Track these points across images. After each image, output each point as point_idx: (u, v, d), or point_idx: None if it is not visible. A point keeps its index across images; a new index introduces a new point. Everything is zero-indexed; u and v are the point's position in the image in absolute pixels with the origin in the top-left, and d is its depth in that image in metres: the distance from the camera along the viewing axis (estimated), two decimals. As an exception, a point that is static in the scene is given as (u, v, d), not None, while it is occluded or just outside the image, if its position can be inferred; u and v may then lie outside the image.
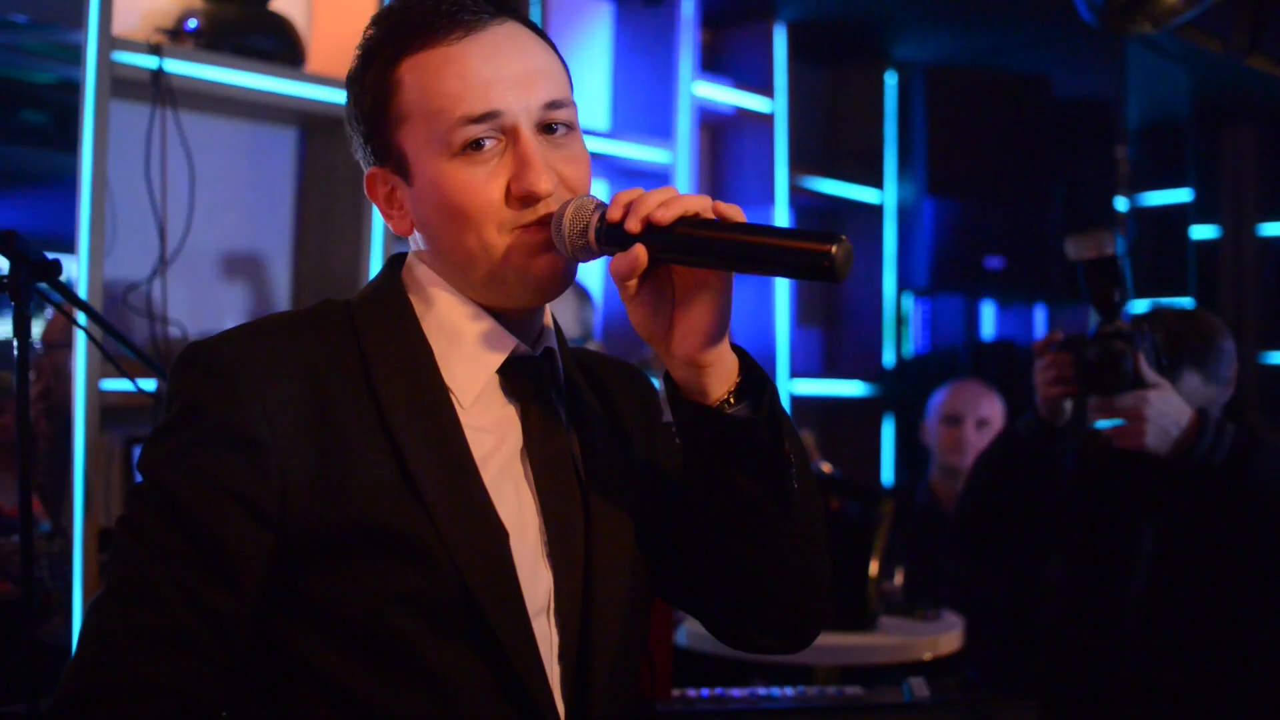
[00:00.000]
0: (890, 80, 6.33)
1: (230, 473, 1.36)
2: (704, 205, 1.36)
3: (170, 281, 3.70)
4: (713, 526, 1.48)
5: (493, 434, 1.48)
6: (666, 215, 1.35)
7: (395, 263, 1.58)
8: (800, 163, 5.88)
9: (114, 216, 3.57)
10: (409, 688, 1.36)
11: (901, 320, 6.38)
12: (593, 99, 5.32)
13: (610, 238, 1.40)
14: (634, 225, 1.36)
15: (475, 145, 1.44)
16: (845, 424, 6.26)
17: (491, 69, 1.45)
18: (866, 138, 6.31)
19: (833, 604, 1.62)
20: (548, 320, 1.59)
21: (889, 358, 6.28)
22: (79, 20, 3.37)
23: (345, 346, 1.46)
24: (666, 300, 1.41)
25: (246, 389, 1.38)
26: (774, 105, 5.68)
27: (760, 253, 1.32)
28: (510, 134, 1.45)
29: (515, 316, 1.52)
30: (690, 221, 1.36)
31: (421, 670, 1.36)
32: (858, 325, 6.34)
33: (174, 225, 3.74)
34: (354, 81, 1.54)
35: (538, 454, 1.48)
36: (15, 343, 2.08)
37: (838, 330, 6.42)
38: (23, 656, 2.20)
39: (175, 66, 3.60)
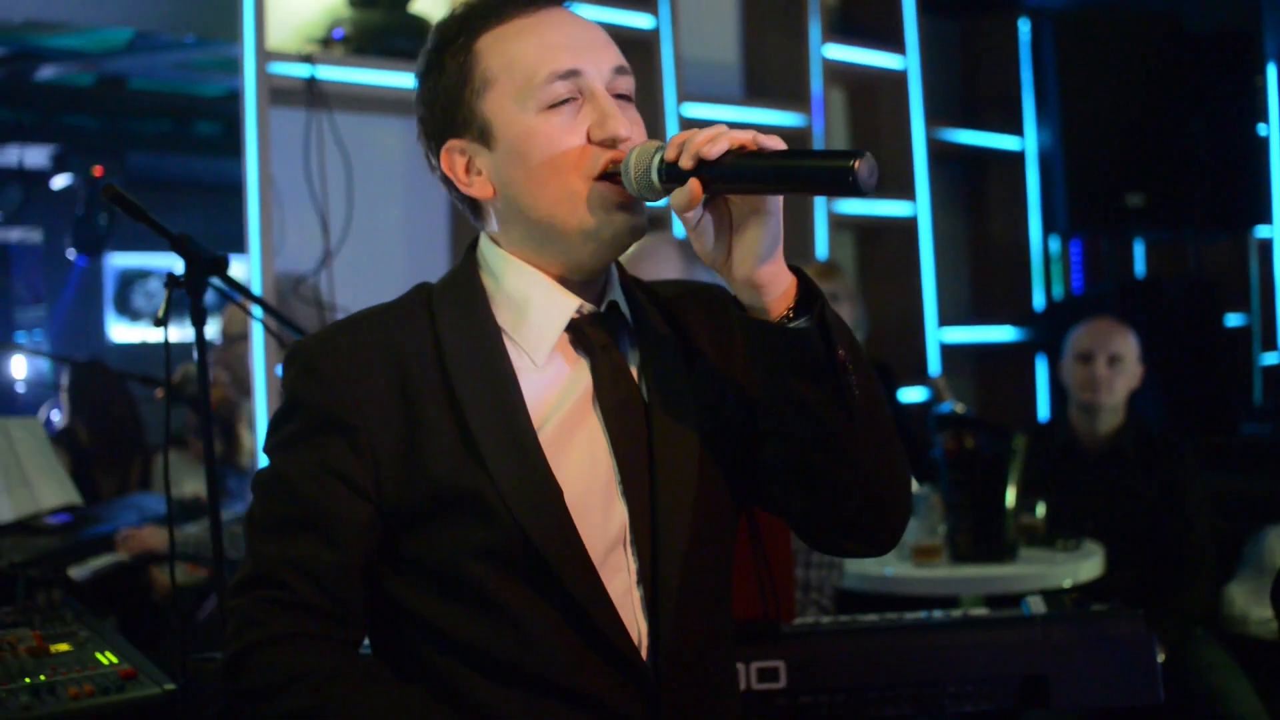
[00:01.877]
0: (1023, 27, 6.36)
1: (331, 454, 1.59)
2: (747, 138, 1.49)
3: (335, 272, 3.98)
4: (785, 434, 1.61)
5: (564, 388, 1.65)
6: (714, 150, 1.48)
7: (471, 247, 1.74)
8: (937, 116, 5.96)
9: (281, 216, 3.86)
10: (496, 629, 1.57)
11: (1049, 263, 6.43)
12: (724, 67, 5.46)
13: (670, 175, 1.52)
14: (687, 162, 1.49)
15: (561, 102, 1.60)
16: (998, 369, 6.33)
17: (567, 35, 1.63)
18: (1002, 86, 6.36)
19: (910, 508, 1.72)
20: (613, 279, 1.73)
21: (1039, 301, 6.33)
22: (236, 35, 3.64)
23: (424, 331, 1.64)
24: (724, 228, 1.54)
25: (336, 380, 1.60)
26: (906, 61, 5.77)
27: (795, 174, 1.47)
28: (587, 92, 1.61)
29: (580, 277, 1.67)
30: (735, 153, 1.49)
31: (503, 613, 1.56)
32: (1006, 270, 6.39)
33: (335, 220, 4.02)
34: (430, 67, 1.67)
35: (608, 400, 1.65)
36: (194, 333, 2.33)
37: (986, 276, 6.48)
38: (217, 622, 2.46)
39: (327, 73, 3.87)
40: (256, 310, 2.92)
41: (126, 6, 3.52)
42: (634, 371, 1.70)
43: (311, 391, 1.61)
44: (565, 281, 1.67)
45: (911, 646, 2.37)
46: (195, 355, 2.32)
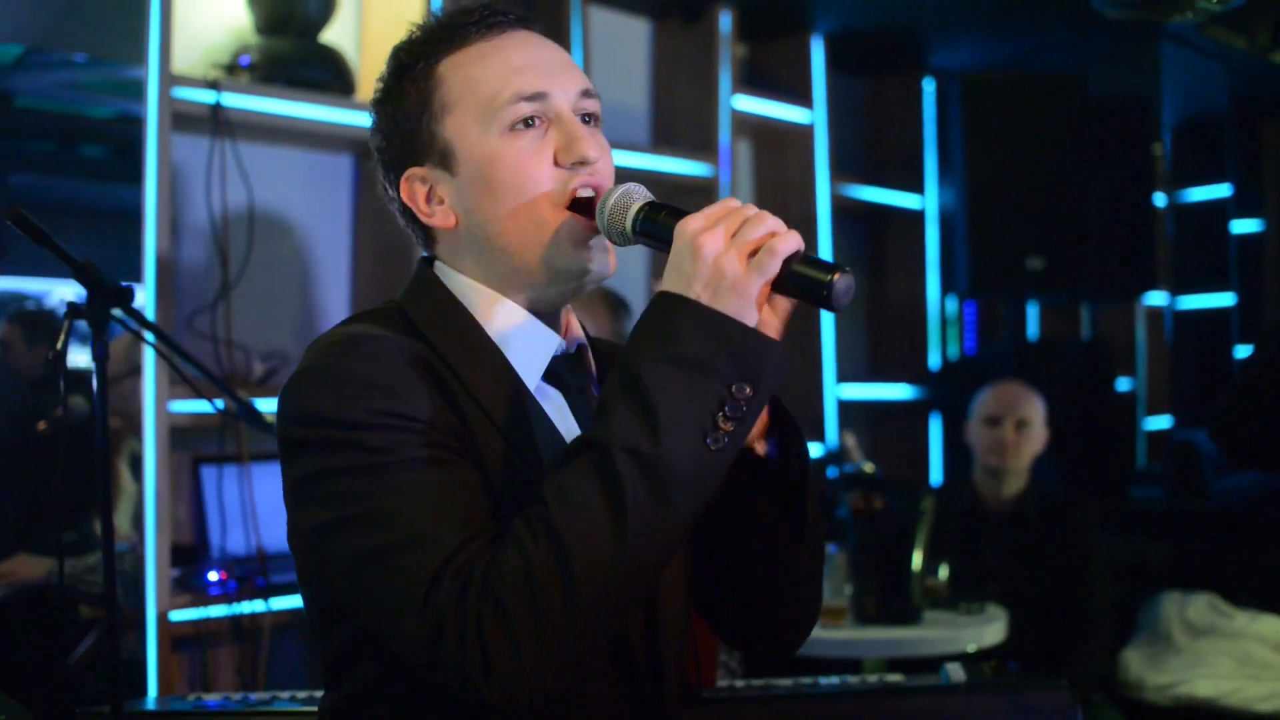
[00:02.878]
0: (928, 87, 6.42)
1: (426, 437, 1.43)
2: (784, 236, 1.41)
3: (233, 305, 3.85)
4: (730, 542, 1.59)
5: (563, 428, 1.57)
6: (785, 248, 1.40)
7: (428, 268, 1.63)
8: (841, 171, 5.97)
9: (178, 245, 3.73)
10: None
11: (946, 323, 6.46)
12: (633, 115, 5.43)
13: (645, 229, 1.49)
14: (774, 264, 1.38)
15: (526, 123, 1.53)
16: (893, 426, 6.34)
17: (531, 57, 1.57)
18: (906, 144, 6.40)
19: (819, 607, 1.71)
20: (570, 319, 1.66)
21: (934, 360, 6.36)
22: (139, 58, 3.51)
23: (427, 353, 1.49)
24: None
25: (398, 388, 1.43)
26: (813, 116, 5.77)
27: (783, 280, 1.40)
28: (553, 114, 1.55)
29: (546, 312, 1.60)
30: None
31: None
32: (903, 328, 6.41)
33: (235, 251, 3.89)
34: (387, 93, 1.61)
35: None
36: (95, 367, 2.22)
37: (883, 335, 6.49)
38: (107, 666, 2.34)
39: (232, 100, 3.75)
40: (149, 340, 2.81)
41: (18, 21, 3.39)
42: None
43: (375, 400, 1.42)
44: (539, 318, 1.59)
45: (834, 714, 2.32)
46: (95, 387, 2.20)
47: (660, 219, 1.49)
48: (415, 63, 1.59)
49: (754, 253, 1.39)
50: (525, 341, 1.57)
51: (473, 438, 1.47)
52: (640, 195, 1.51)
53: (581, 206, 1.54)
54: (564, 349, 1.61)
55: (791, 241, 1.39)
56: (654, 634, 1.58)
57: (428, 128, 1.57)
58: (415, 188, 1.60)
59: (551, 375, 1.60)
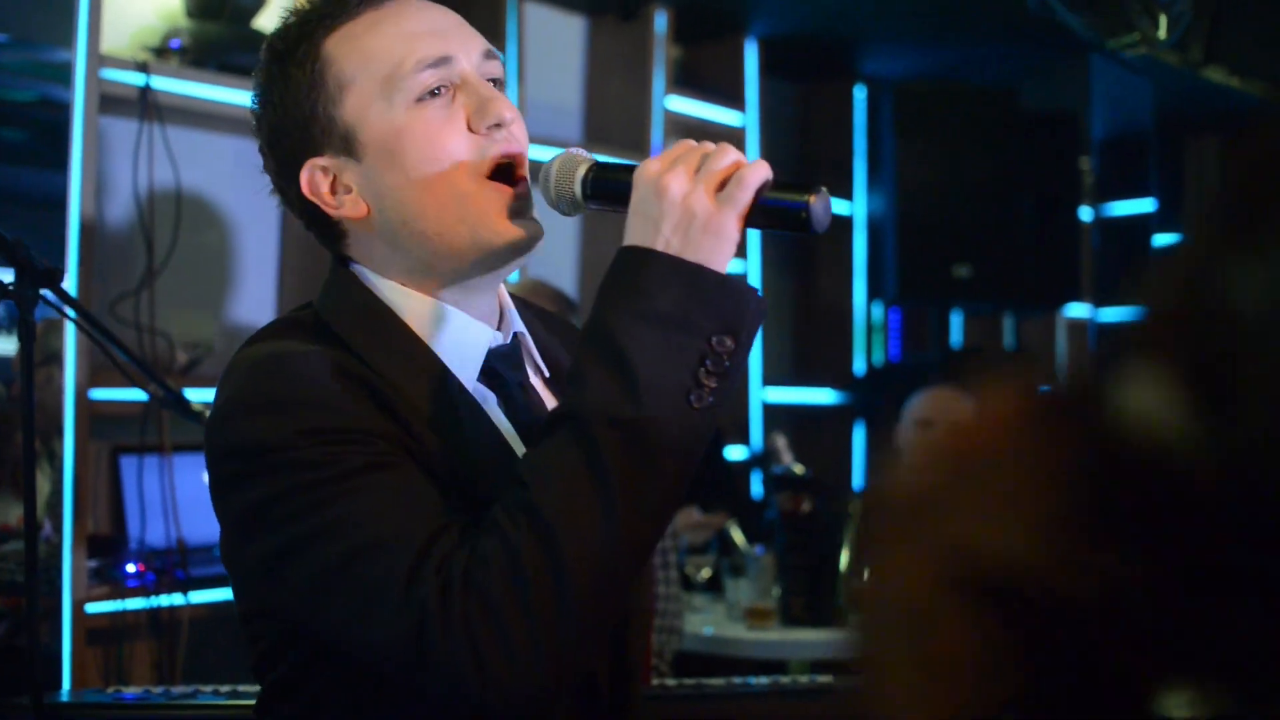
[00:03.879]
0: (859, 94, 6.46)
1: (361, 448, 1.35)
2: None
3: (157, 292, 3.78)
4: None
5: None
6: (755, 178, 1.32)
7: (344, 268, 1.52)
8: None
9: (102, 229, 3.66)
10: None
11: (872, 329, 6.49)
12: (566, 111, 5.40)
13: (597, 189, 1.41)
14: (745, 195, 1.30)
15: (433, 93, 1.42)
16: (817, 430, 6.35)
17: (428, 22, 1.46)
18: (837, 150, 6.43)
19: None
20: (503, 299, 1.57)
21: (860, 366, 6.38)
22: (65, 39, 3.44)
23: (352, 362, 1.40)
24: None
25: (331, 397, 1.36)
26: (745, 119, 5.78)
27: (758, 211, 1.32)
28: (460, 80, 1.44)
29: (477, 301, 1.50)
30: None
31: None
32: (829, 333, 6.43)
33: (161, 237, 3.82)
34: (269, 82, 1.47)
35: (528, 438, 1.46)
36: (19, 349, 2.16)
37: (809, 339, 6.51)
38: (25, 657, 2.29)
39: (162, 84, 3.69)
40: (75, 320, 2.74)
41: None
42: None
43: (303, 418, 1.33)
44: (465, 310, 1.50)
45: (767, 713, 2.31)
46: (22, 370, 2.14)
47: (613, 175, 1.41)
48: (297, 46, 1.45)
49: (722, 186, 1.31)
50: (456, 339, 1.47)
51: (413, 443, 1.36)
52: (583, 157, 1.43)
53: (503, 173, 1.44)
54: (499, 342, 1.51)
55: (761, 170, 1.31)
56: (622, 632, 1.51)
57: (324, 112, 1.44)
58: (317, 179, 1.46)
59: (488, 371, 1.50)
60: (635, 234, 1.33)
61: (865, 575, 0.67)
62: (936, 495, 0.63)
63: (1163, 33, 3.33)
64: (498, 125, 1.43)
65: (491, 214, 1.43)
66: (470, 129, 1.43)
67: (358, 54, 1.44)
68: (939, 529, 0.62)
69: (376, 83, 1.43)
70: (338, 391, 1.34)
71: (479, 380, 1.50)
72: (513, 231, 1.44)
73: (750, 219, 1.31)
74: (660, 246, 1.30)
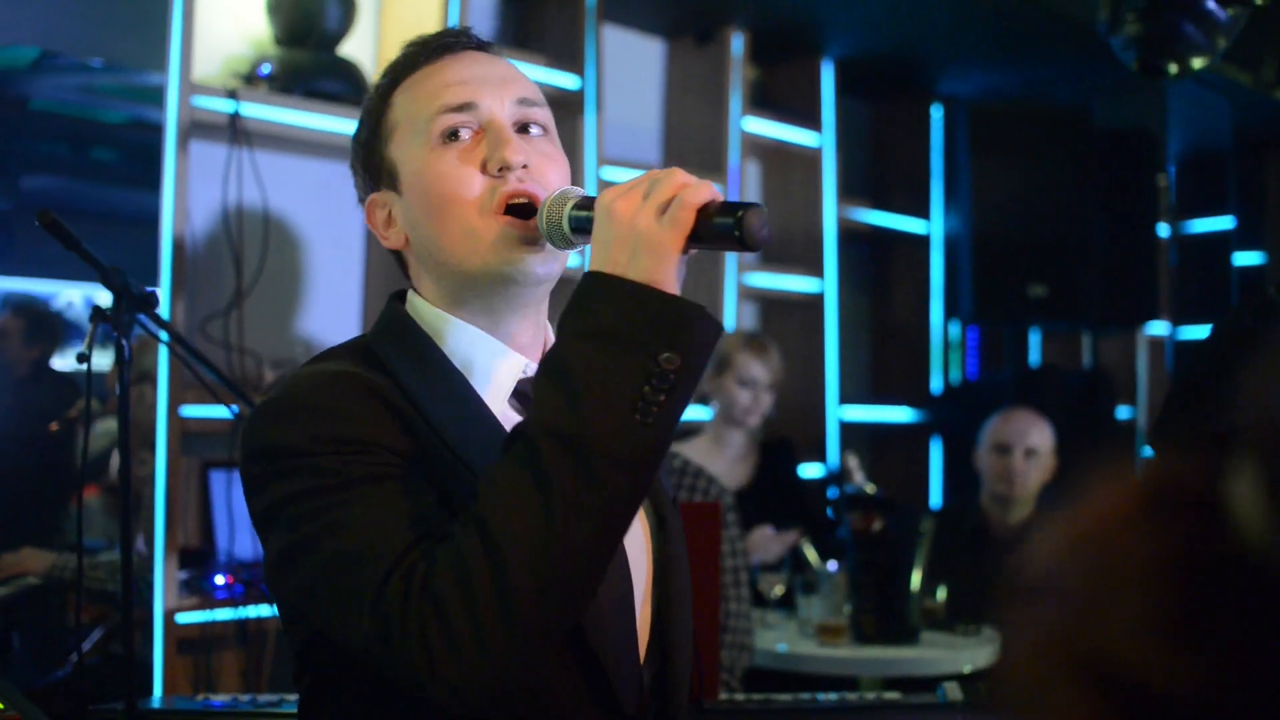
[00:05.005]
0: (935, 113, 6.46)
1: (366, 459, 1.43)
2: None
3: (246, 313, 3.90)
4: None
5: None
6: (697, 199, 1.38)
7: (397, 301, 1.64)
8: (848, 194, 6.02)
9: (193, 250, 3.78)
10: None
11: (948, 348, 6.50)
12: (646, 134, 5.47)
13: (578, 225, 1.48)
14: (688, 215, 1.37)
15: (453, 135, 1.54)
16: (894, 449, 6.37)
17: (466, 73, 1.59)
18: (912, 169, 6.44)
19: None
20: (549, 337, 1.63)
21: (936, 384, 6.39)
22: (158, 64, 3.56)
23: (387, 386, 1.48)
24: None
25: (350, 414, 1.44)
26: (822, 139, 5.81)
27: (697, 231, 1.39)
28: (485, 124, 1.55)
29: (513, 329, 1.59)
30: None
31: None
32: (905, 352, 6.45)
33: (249, 259, 3.94)
34: (358, 128, 1.66)
35: None
36: (116, 369, 2.26)
37: (886, 358, 6.53)
38: (118, 665, 2.37)
39: (251, 110, 3.80)
40: (167, 342, 2.84)
41: (38, 25, 3.43)
42: None
43: (319, 426, 1.43)
44: (502, 338, 1.59)
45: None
46: (119, 391, 2.24)
47: (588, 208, 1.47)
48: (377, 94, 1.64)
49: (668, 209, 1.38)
50: (487, 365, 1.57)
51: (435, 467, 1.45)
52: (575, 194, 1.50)
53: (519, 211, 1.52)
54: (530, 370, 1.58)
55: (703, 191, 1.37)
56: (664, 648, 1.59)
57: (378, 152, 1.61)
58: (375, 213, 1.63)
59: (521, 394, 1.58)
60: (594, 260, 1.40)
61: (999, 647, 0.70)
62: (1055, 579, 0.65)
63: (1198, 63, 3.34)
64: (506, 169, 1.53)
65: (500, 246, 1.52)
66: (484, 171, 1.53)
67: (408, 101, 1.59)
68: (1056, 612, 0.63)
69: (412, 125, 1.58)
70: (355, 404, 1.43)
71: (511, 402, 1.58)
72: (521, 262, 1.53)
73: (694, 237, 1.37)
74: (609, 268, 1.37)
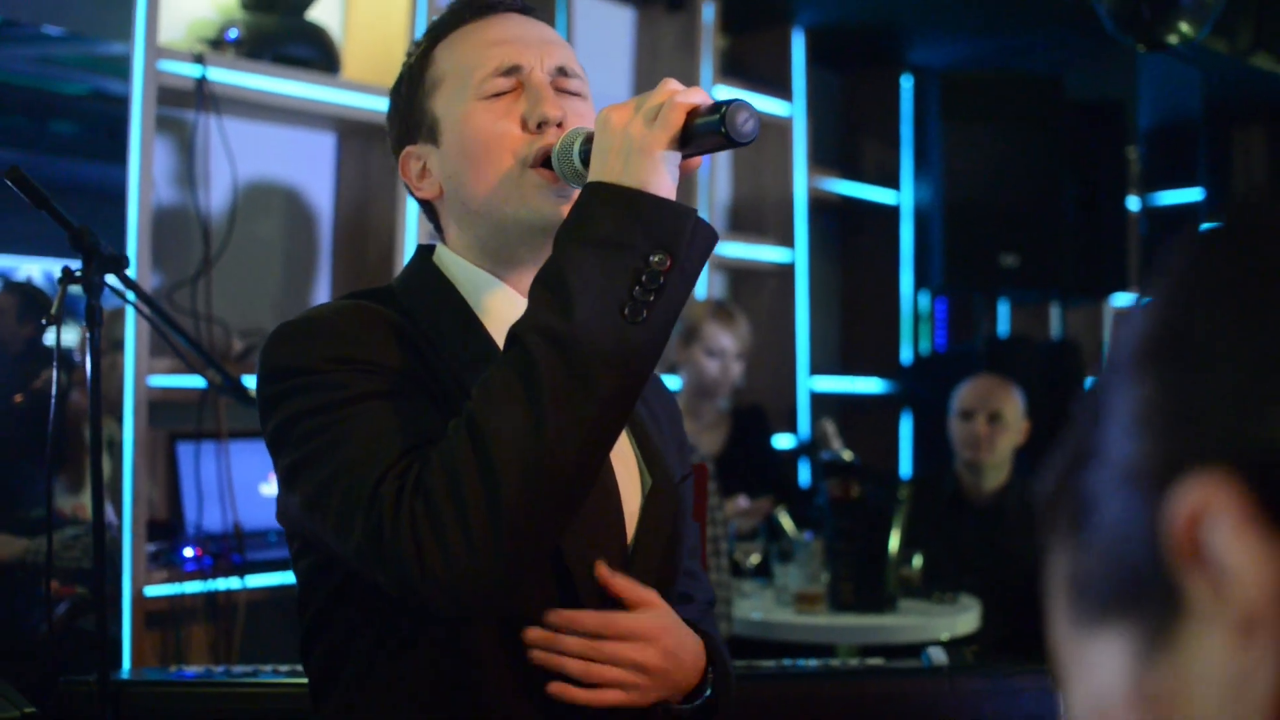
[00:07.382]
0: (906, 83, 6.44)
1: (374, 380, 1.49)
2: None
3: (214, 281, 3.84)
4: None
5: None
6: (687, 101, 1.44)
7: (425, 252, 1.70)
8: (818, 165, 5.99)
9: (160, 220, 3.71)
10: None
11: (918, 318, 6.49)
12: (614, 100, 5.41)
13: (585, 156, 1.50)
14: (678, 119, 1.41)
15: (498, 95, 1.60)
16: (864, 419, 6.36)
17: (511, 33, 1.64)
18: (883, 140, 6.43)
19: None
20: None
21: (906, 355, 6.38)
22: (121, 33, 3.48)
23: (406, 324, 1.55)
24: None
25: (367, 341, 1.51)
26: (792, 108, 5.79)
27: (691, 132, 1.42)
28: (527, 83, 1.60)
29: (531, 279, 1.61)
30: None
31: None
32: (875, 323, 6.44)
33: (217, 227, 3.88)
34: (397, 81, 1.71)
35: None
36: (87, 334, 2.21)
37: (856, 328, 6.52)
38: (90, 637, 2.32)
39: (218, 75, 3.74)
40: (134, 303, 2.79)
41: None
42: None
43: (332, 347, 1.48)
44: (522, 291, 1.60)
45: (820, 695, 2.33)
46: (89, 356, 2.19)
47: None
48: (418, 49, 1.69)
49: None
50: (503, 312, 1.60)
51: (443, 402, 1.49)
52: (584, 131, 1.54)
53: (548, 163, 1.57)
54: None
55: (693, 95, 1.42)
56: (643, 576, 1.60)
57: (420, 105, 1.65)
58: (410, 165, 1.67)
59: None
60: (591, 170, 1.44)
61: None
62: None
63: (1190, 30, 3.32)
64: (544, 123, 1.57)
65: (532, 195, 1.57)
66: (523, 125, 1.58)
67: (452, 56, 1.65)
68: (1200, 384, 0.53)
69: (459, 81, 1.62)
70: (368, 331, 1.50)
71: None
72: (551, 210, 1.56)
73: (684, 140, 1.41)
74: (605, 176, 1.41)
